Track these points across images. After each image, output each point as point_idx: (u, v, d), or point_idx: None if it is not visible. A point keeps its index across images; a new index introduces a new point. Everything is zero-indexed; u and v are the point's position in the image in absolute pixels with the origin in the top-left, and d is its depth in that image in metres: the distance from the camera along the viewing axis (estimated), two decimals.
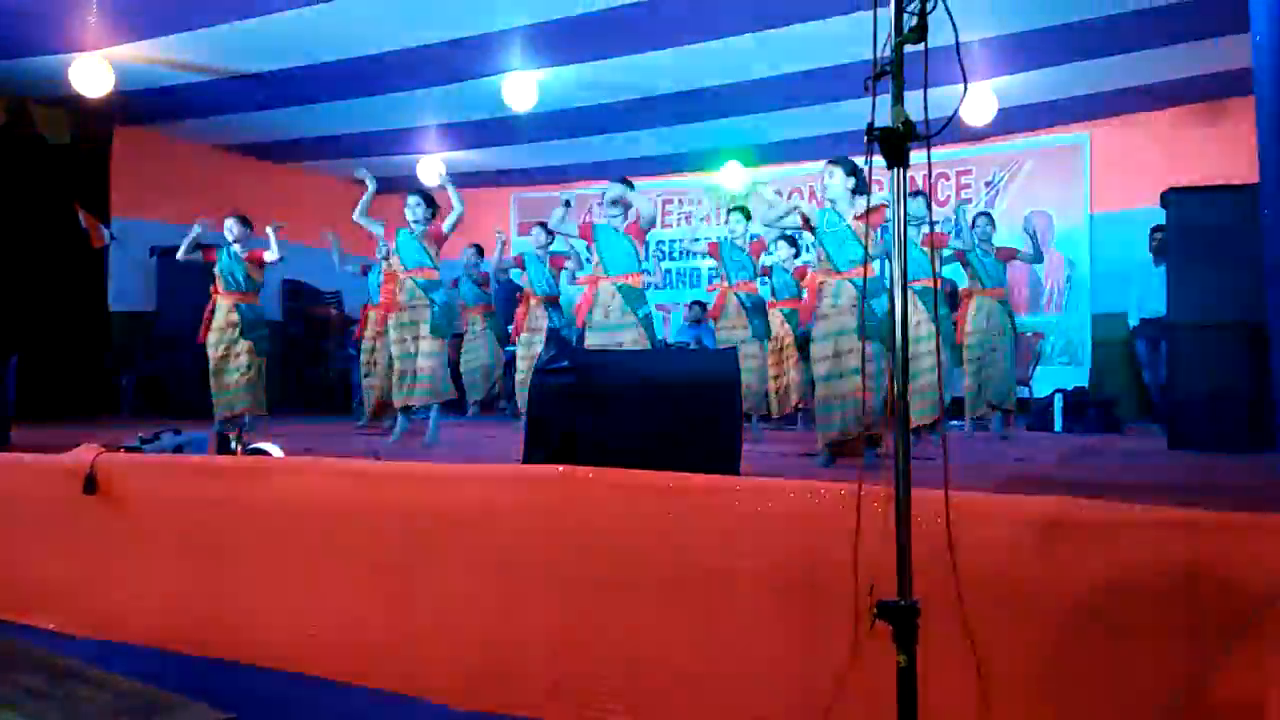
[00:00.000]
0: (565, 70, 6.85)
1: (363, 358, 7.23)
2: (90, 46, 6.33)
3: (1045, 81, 7.07)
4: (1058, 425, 6.90)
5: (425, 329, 5.64)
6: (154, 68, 6.75)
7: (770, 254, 6.82)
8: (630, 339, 4.83)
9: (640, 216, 5.06)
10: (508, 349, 7.99)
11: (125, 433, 3.87)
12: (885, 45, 1.47)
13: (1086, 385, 7.85)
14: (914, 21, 1.46)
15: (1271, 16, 3.00)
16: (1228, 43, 5.91)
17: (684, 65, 6.70)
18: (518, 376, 6.93)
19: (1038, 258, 6.55)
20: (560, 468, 2.39)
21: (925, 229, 5.43)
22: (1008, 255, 6.33)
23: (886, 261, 3.88)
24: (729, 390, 3.13)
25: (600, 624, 2.23)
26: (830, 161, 4.41)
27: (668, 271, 10.10)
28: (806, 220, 4.47)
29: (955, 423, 6.65)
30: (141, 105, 7.55)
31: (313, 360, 9.59)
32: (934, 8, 1.45)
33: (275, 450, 3.44)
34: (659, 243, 10.03)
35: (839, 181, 4.33)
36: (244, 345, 5.94)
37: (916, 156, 1.47)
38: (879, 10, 1.47)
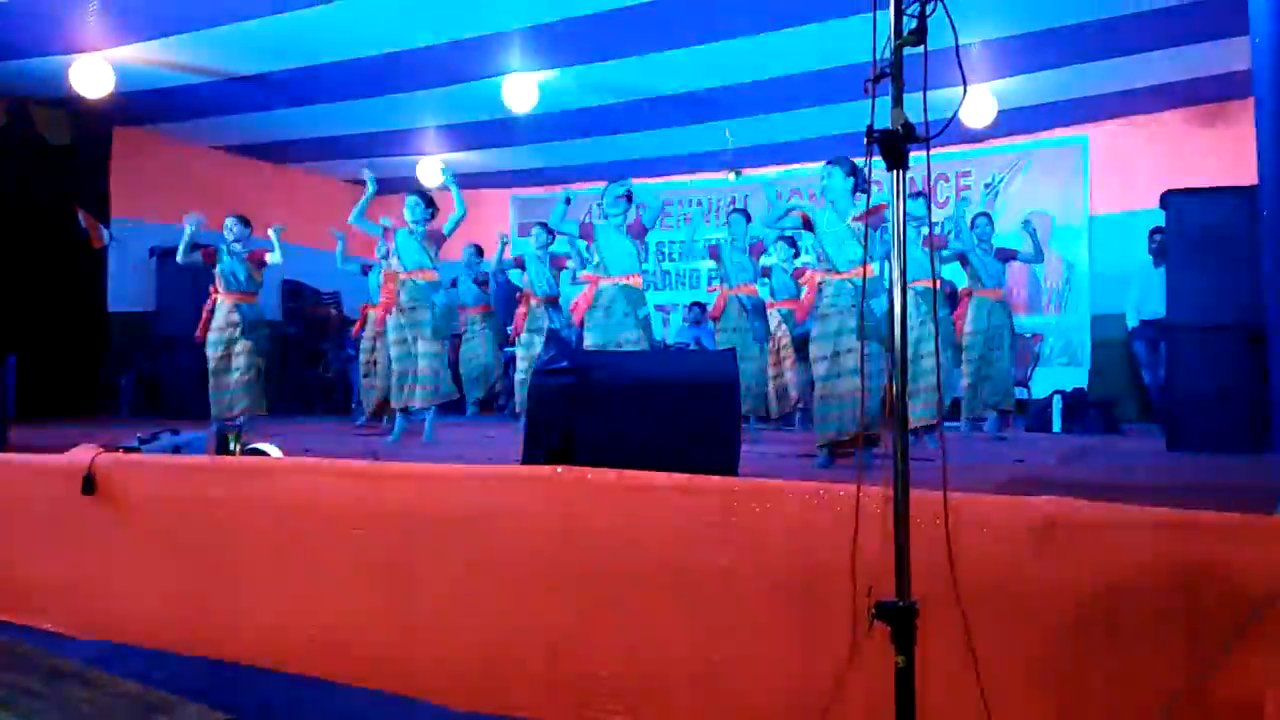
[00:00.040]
0: (565, 71, 6.85)
1: (362, 357, 7.22)
2: (90, 48, 6.33)
3: (1044, 83, 7.08)
4: (1056, 426, 6.90)
5: (425, 331, 5.63)
6: (154, 69, 6.75)
7: (769, 254, 6.82)
8: (630, 339, 4.84)
9: (644, 213, 5.09)
10: (507, 349, 7.99)
11: (124, 433, 3.87)
12: (885, 47, 1.47)
13: (1085, 386, 7.85)
14: (913, 24, 1.46)
15: (1270, 19, 3.00)
16: (1227, 45, 5.92)
17: (684, 66, 6.71)
18: (517, 377, 6.93)
19: (1038, 258, 6.56)
20: (559, 468, 2.39)
21: (925, 230, 5.43)
22: (1007, 256, 6.34)
23: (886, 262, 3.88)
24: (728, 391, 3.13)
25: (599, 624, 2.23)
26: (829, 162, 4.42)
27: (667, 272, 10.10)
28: (807, 220, 4.48)
29: (951, 423, 6.66)
30: (141, 106, 7.55)
31: (312, 360, 9.59)
32: (933, 10, 1.46)
33: (274, 450, 3.44)
34: (658, 243, 10.04)
35: (838, 182, 4.34)
36: (244, 345, 5.92)
37: (916, 158, 1.47)
38: (878, 12, 1.47)
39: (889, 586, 1.45)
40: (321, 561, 2.64)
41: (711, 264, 7.46)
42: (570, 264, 7.15)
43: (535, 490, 2.38)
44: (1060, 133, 8.38)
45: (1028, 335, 8.03)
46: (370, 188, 5.90)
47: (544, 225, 6.92)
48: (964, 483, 2.65)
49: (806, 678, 1.92)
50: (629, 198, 5.09)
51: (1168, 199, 5.18)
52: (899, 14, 1.47)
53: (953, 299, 6.50)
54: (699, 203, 10.23)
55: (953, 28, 1.48)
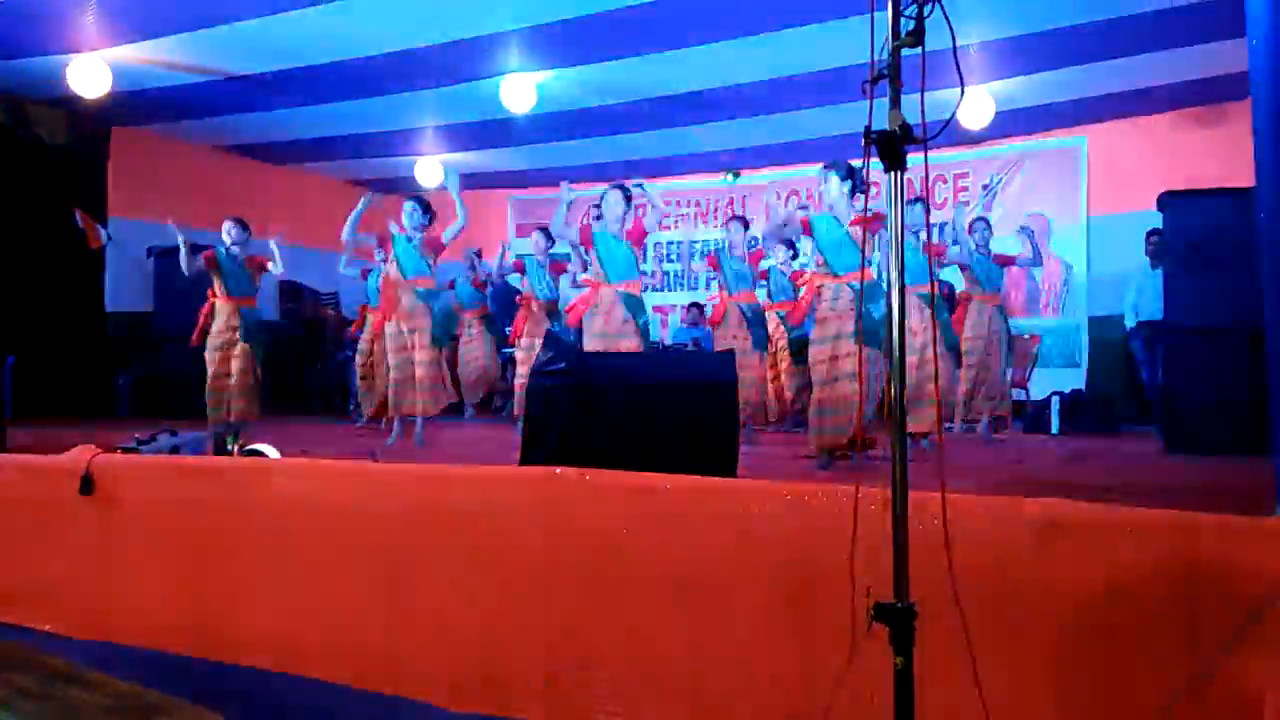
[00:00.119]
0: (564, 72, 6.85)
1: (359, 360, 7.22)
2: (87, 47, 6.32)
3: (1042, 85, 7.09)
4: (1054, 427, 6.91)
5: (424, 339, 5.65)
6: (151, 68, 6.75)
7: (768, 257, 6.83)
8: (628, 346, 4.87)
9: (646, 216, 5.11)
10: (505, 350, 7.99)
11: (122, 434, 3.87)
12: (883, 49, 1.47)
13: (1083, 388, 7.86)
14: (911, 25, 1.46)
15: (1268, 20, 3.00)
16: (1224, 47, 5.93)
17: (683, 67, 6.71)
18: (517, 381, 6.93)
19: (1036, 262, 6.59)
20: (557, 469, 2.39)
21: (923, 236, 5.44)
22: (1006, 260, 6.38)
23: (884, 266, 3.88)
24: (726, 392, 3.13)
25: (597, 626, 2.23)
26: (826, 166, 4.43)
27: (666, 273, 10.10)
28: (808, 224, 4.49)
29: (945, 425, 6.67)
30: (139, 106, 7.54)
31: (310, 361, 9.58)
32: (931, 12, 1.46)
33: (271, 451, 3.44)
34: (657, 244, 10.04)
35: (835, 186, 4.35)
36: (243, 349, 5.91)
37: (914, 159, 1.47)
38: (876, 14, 1.48)
39: (887, 588, 1.45)
40: (320, 562, 2.63)
41: (704, 266, 7.46)
42: (570, 267, 7.16)
43: (534, 491, 2.38)
44: (1058, 134, 8.39)
45: (1026, 336, 8.05)
46: (362, 203, 5.91)
47: (544, 230, 6.92)
48: (962, 484, 2.66)
49: (805, 679, 1.92)
50: (628, 201, 5.10)
51: (1165, 201, 5.19)
52: (897, 15, 1.47)
53: (951, 301, 6.51)
54: (697, 204, 10.24)
55: (950, 29, 1.48)
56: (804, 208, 6.96)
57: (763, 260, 6.71)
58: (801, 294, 5.27)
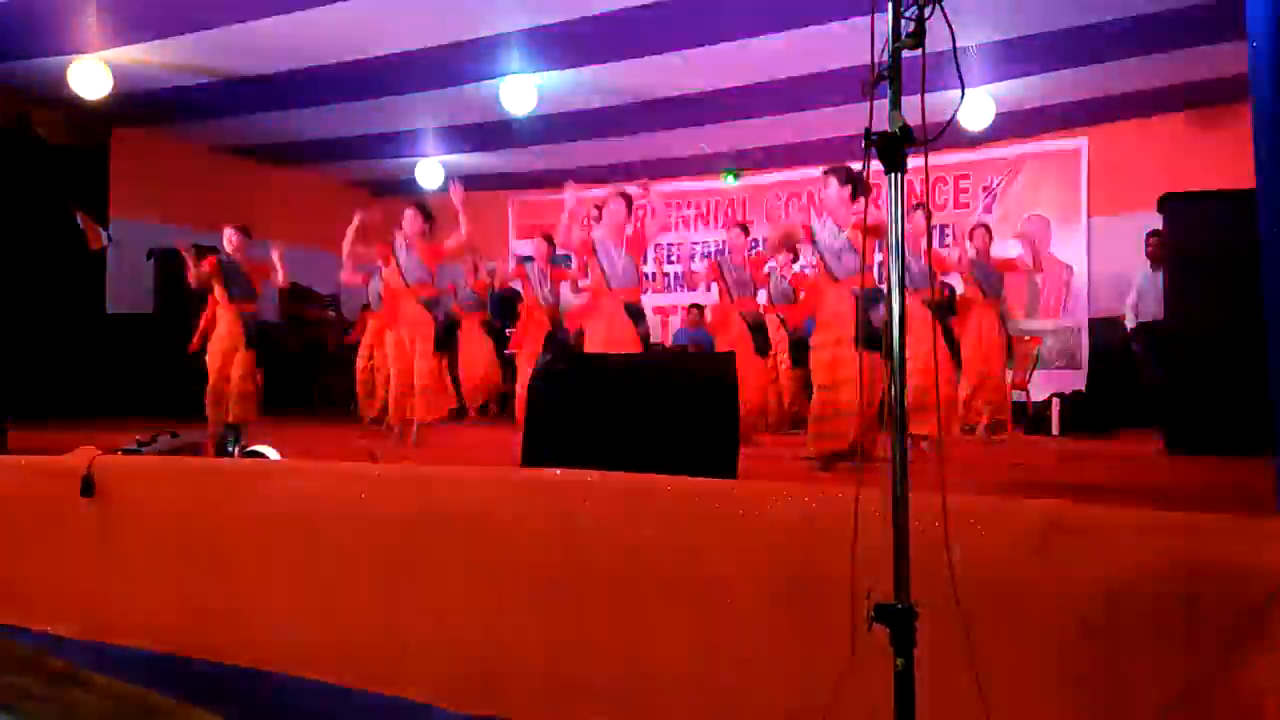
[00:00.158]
0: (564, 74, 6.86)
1: (359, 364, 7.22)
2: (89, 49, 6.33)
3: (1043, 87, 7.09)
4: (1055, 428, 6.92)
5: (425, 346, 5.68)
6: (152, 70, 6.76)
7: (770, 262, 6.85)
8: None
9: (648, 224, 5.14)
10: (508, 350, 7.99)
11: (123, 435, 3.87)
12: (883, 50, 1.48)
13: (1084, 389, 7.85)
14: (911, 27, 1.46)
15: (1268, 22, 3.00)
16: (1224, 49, 5.93)
17: (683, 69, 6.71)
18: (519, 388, 6.93)
19: (1036, 269, 6.65)
20: (558, 470, 2.39)
21: (924, 243, 5.46)
22: (1006, 267, 6.45)
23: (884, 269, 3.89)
24: (726, 393, 3.13)
25: (597, 627, 2.23)
26: (825, 172, 4.44)
27: (667, 275, 10.10)
28: (809, 231, 4.50)
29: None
30: (140, 107, 7.55)
31: (310, 362, 9.58)
32: (931, 14, 1.46)
33: (272, 453, 3.44)
34: (658, 245, 10.04)
35: (834, 191, 4.35)
36: (245, 355, 5.94)
37: (914, 161, 1.47)
38: (877, 15, 1.48)
39: (888, 589, 1.45)
40: (320, 563, 2.63)
41: (701, 266, 7.47)
42: (571, 274, 7.16)
43: (534, 493, 2.38)
44: (1058, 136, 8.40)
45: (1026, 338, 8.05)
46: (354, 225, 5.92)
47: (547, 236, 6.95)
48: (963, 486, 2.66)
49: (806, 680, 1.92)
50: (630, 208, 5.13)
51: (1166, 202, 5.19)
52: (897, 17, 1.47)
53: (951, 304, 6.53)
54: (698, 205, 10.24)
55: (950, 31, 1.48)
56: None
57: (765, 265, 6.73)
58: (804, 295, 5.29)
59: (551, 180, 10.19)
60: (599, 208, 5.41)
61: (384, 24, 6.01)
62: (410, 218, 5.75)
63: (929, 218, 5.29)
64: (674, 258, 10.18)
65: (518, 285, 7.63)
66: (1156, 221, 5.51)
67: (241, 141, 8.81)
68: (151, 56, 6.52)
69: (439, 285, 5.98)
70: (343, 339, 8.90)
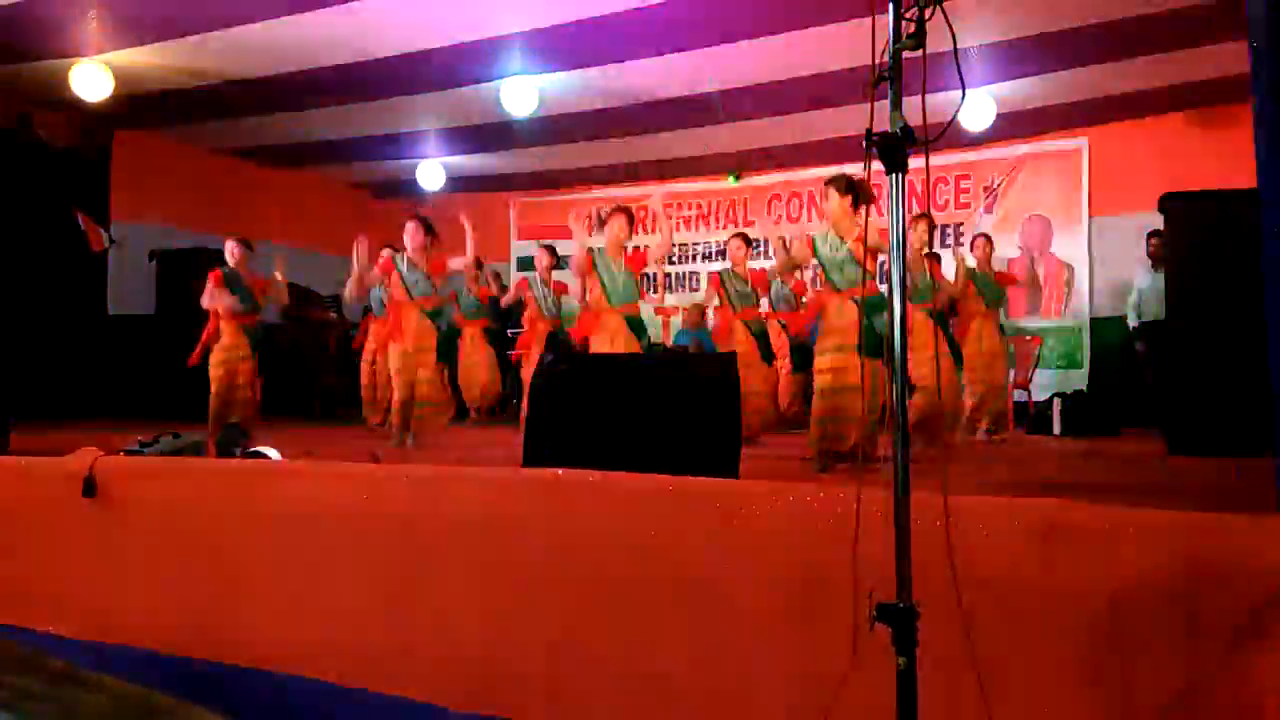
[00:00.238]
0: (565, 75, 6.86)
1: (363, 368, 7.23)
2: (91, 52, 6.34)
3: (1043, 87, 7.10)
4: (1056, 428, 6.92)
5: (429, 357, 5.72)
6: (154, 72, 6.76)
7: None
8: None
9: (650, 248, 5.20)
10: (509, 352, 7.99)
11: (125, 436, 3.87)
12: (884, 51, 1.48)
13: (1085, 389, 7.85)
14: (912, 28, 1.46)
15: (1269, 22, 3.00)
16: (1225, 48, 5.94)
17: (683, 70, 6.72)
18: (524, 404, 6.94)
19: (1034, 285, 6.69)
20: (560, 471, 2.39)
21: (925, 251, 5.50)
22: (1007, 280, 6.64)
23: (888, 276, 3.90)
24: (728, 393, 3.13)
25: (598, 627, 2.23)
26: (826, 183, 4.43)
27: (668, 275, 10.11)
28: (812, 244, 4.50)
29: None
30: (142, 110, 7.56)
31: (312, 364, 9.58)
32: (932, 14, 1.46)
33: (274, 454, 3.45)
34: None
35: (835, 203, 4.34)
36: (248, 365, 5.96)
37: (915, 161, 1.48)
38: (878, 16, 1.48)
39: (890, 588, 1.46)
40: (322, 564, 2.64)
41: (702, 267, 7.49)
42: (573, 290, 7.16)
43: (536, 493, 2.39)
44: (1059, 136, 8.40)
45: (1027, 338, 8.05)
46: (356, 255, 5.96)
47: (549, 248, 6.97)
48: (964, 485, 2.66)
49: (807, 680, 1.92)
50: (631, 225, 5.17)
51: (1166, 202, 5.18)
52: (898, 18, 1.47)
53: (951, 306, 6.56)
54: (699, 206, 10.25)
55: (951, 32, 1.48)
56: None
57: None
58: (804, 308, 5.30)
59: (553, 181, 10.22)
60: (602, 221, 5.43)
61: (385, 26, 6.01)
62: (412, 231, 5.77)
63: (931, 229, 5.31)
64: (675, 258, 10.18)
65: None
66: (1157, 221, 5.50)
67: (243, 143, 8.81)
68: (153, 59, 6.53)
69: (441, 295, 6.01)
70: (345, 339, 8.90)
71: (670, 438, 2.80)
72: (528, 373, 6.82)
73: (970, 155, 8.58)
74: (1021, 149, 8.60)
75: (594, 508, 2.29)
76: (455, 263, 5.81)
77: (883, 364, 4.21)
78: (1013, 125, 7.69)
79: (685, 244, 10.17)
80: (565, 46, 6.33)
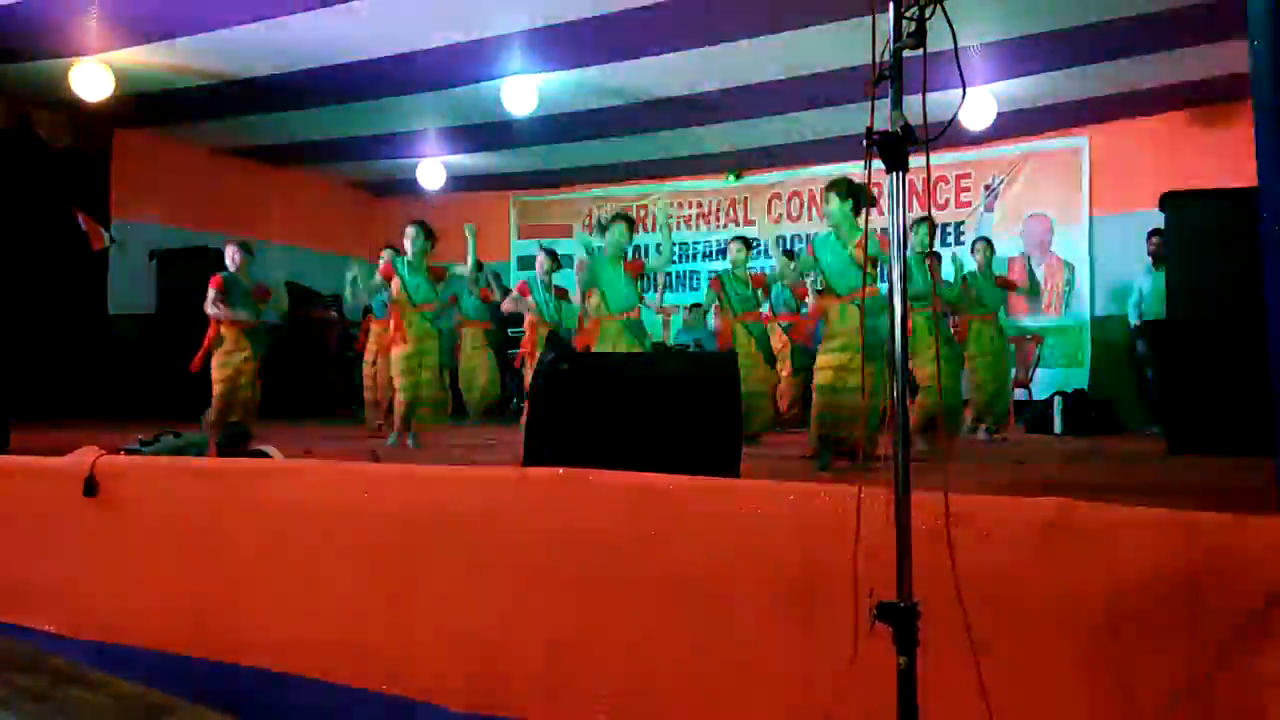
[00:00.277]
0: (565, 74, 6.86)
1: (364, 370, 7.22)
2: (91, 51, 6.34)
3: (1044, 86, 7.09)
4: (1057, 427, 6.92)
5: (430, 360, 5.75)
6: (155, 72, 6.76)
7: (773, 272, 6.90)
8: None
9: (649, 256, 5.21)
10: (510, 351, 7.98)
11: (125, 435, 3.87)
12: (884, 50, 1.48)
13: (1086, 388, 7.85)
14: (913, 27, 1.46)
15: (1269, 21, 3.00)
16: (1225, 47, 5.93)
17: (683, 69, 6.71)
18: (522, 396, 6.95)
19: (1034, 291, 6.78)
20: (560, 469, 2.39)
21: (926, 255, 5.52)
22: (1007, 284, 6.67)
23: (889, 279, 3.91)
24: (728, 392, 3.13)
25: (599, 626, 2.23)
26: (827, 187, 4.43)
27: (669, 275, 10.10)
28: (813, 250, 4.50)
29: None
30: (142, 109, 7.56)
31: (313, 363, 9.58)
32: (932, 13, 1.46)
33: (275, 453, 3.44)
34: (659, 246, 10.04)
35: (836, 207, 4.34)
36: (250, 368, 5.98)
37: (916, 160, 1.48)
38: (878, 15, 1.48)
39: (890, 588, 1.46)
40: (323, 563, 2.64)
41: (702, 265, 7.49)
42: (573, 297, 7.14)
43: (536, 492, 2.38)
44: (1060, 134, 8.39)
45: (1028, 336, 8.05)
46: (350, 275, 5.99)
47: (550, 252, 6.97)
48: (965, 484, 2.66)
49: (808, 678, 1.92)
50: (632, 232, 5.19)
51: (1167, 201, 5.18)
52: (898, 17, 1.47)
53: (952, 307, 6.58)
54: (700, 205, 10.24)
55: (952, 31, 1.48)
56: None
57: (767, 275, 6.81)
58: (807, 311, 5.30)
59: (553, 181, 10.22)
60: (603, 227, 5.44)
61: (385, 25, 6.01)
62: (413, 236, 5.77)
63: (932, 231, 5.30)
64: (675, 259, 10.17)
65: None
66: (1158, 220, 5.50)
67: (243, 142, 8.81)
68: (153, 58, 6.53)
69: (442, 299, 6.03)
70: (345, 339, 8.90)
71: (671, 437, 2.80)
72: (529, 374, 6.84)
73: (971, 154, 8.57)
74: (1022, 148, 8.59)
75: (594, 506, 2.29)
76: (457, 269, 5.84)
77: (885, 365, 4.23)
78: (1013, 124, 7.69)
79: (685, 243, 10.16)
80: (565, 46, 6.33)
